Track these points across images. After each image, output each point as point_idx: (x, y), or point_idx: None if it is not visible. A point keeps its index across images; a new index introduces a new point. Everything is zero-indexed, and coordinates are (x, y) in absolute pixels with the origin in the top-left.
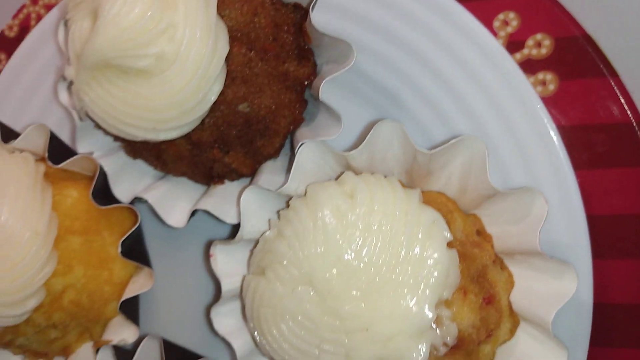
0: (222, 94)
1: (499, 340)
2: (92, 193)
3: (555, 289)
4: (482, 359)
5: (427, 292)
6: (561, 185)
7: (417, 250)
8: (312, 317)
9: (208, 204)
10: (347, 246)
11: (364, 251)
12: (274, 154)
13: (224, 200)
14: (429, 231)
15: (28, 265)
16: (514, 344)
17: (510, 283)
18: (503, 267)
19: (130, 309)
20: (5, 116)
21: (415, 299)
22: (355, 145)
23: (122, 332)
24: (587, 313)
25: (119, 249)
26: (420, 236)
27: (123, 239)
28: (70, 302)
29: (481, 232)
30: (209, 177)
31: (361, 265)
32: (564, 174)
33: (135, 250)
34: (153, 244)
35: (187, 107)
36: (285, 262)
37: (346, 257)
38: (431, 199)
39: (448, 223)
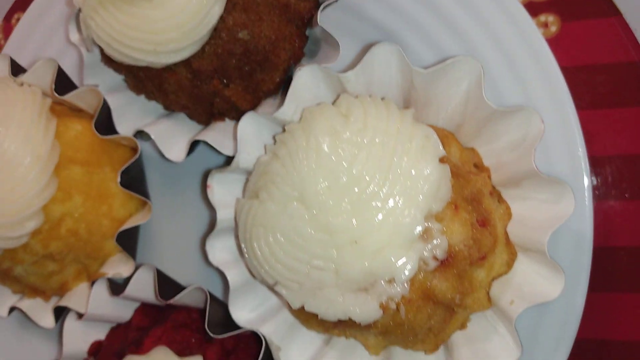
0: (222, 20)
1: (494, 269)
2: (95, 124)
3: (553, 213)
4: (476, 286)
5: (416, 203)
6: (564, 122)
7: (408, 163)
8: (302, 233)
9: (207, 136)
10: (339, 162)
11: (355, 166)
12: (274, 91)
13: (223, 134)
14: (421, 146)
15: (28, 187)
16: (510, 277)
17: (507, 215)
18: (501, 200)
19: (128, 244)
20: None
21: (404, 210)
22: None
23: (118, 268)
24: (587, 246)
25: (118, 179)
26: (412, 150)
27: (123, 168)
28: (68, 231)
29: (479, 166)
30: (210, 114)
31: (351, 179)
32: (566, 112)
33: (135, 184)
34: (153, 181)
35: (188, 28)
36: (278, 181)
37: (337, 172)
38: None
39: (445, 147)
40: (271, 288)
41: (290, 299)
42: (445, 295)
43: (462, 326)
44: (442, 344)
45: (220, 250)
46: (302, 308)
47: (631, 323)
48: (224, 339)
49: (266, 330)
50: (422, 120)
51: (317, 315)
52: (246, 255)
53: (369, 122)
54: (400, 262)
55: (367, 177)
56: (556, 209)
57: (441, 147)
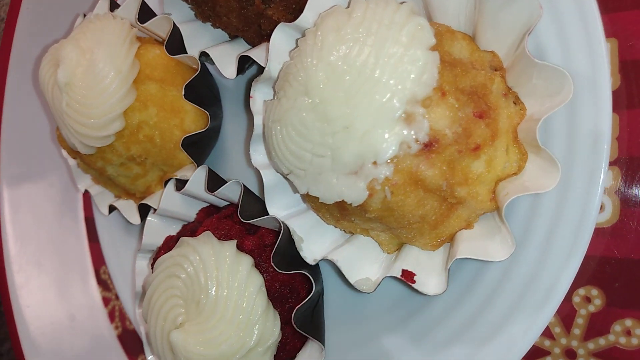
0: None
1: (496, 165)
2: (166, 45)
3: (553, 103)
4: (472, 178)
5: (399, 87)
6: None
7: (397, 50)
8: (306, 124)
9: (253, 52)
10: (337, 55)
11: (351, 56)
12: None
13: (265, 51)
14: (412, 34)
15: (111, 95)
16: (519, 177)
17: (519, 115)
18: (517, 102)
19: (195, 152)
20: None
21: (388, 94)
22: None
23: (188, 172)
24: (604, 146)
25: (183, 92)
26: (402, 39)
27: (187, 82)
28: (145, 136)
29: (498, 68)
30: (260, 36)
31: (346, 69)
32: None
33: (201, 100)
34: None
35: None
36: (290, 79)
37: (335, 64)
38: (436, 27)
39: (445, 42)
40: (286, 178)
41: (298, 185)
42: (431, 181)
43: (468, 225)
44: (446, 241)
45: (261, 154)
46: (313, 198)
47: None
48: (264, 234)
49: (292, 224)
50: (442, 22)
51: (326, 206)
52: (268, 151)
53: (367, 16)
54: (381, 144)
55: (359, 66)
56: (558, 99)
57: (432, 37)
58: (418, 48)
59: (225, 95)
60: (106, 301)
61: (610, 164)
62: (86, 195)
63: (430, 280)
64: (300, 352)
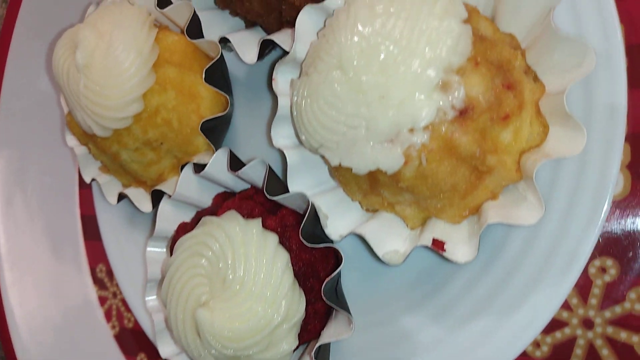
0: None
1: (522, 136)
2: (187, 30)
3: (575, 75)
4: (500, 147)
5: (435, 56)
6: None
7: (430, 22)
8: (339, 96)
9: (275, 37)
10: (371, 28)
11: (386, 29)
12: None
13: (288, 36)
14: (444, 8)
15: (131, 76)
16: (542, 147)
17: (540, 91)
18: (536, 79)
19: (212, 136)
20: None
21: (424, 63)
22: None
23: (204, 158)
24: (621, 118)
25: (203, 76)
26: (435, 11)
27: (207, 67)
28: (163, 120)
29: (517, 49)
30: (281, 22)
31: (381, 41)
32: None
33: (219, 84)
34: (236, 83)
35: None
36: (322, 55)
37: (369, 37)
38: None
39: (473, 19)
40: (317, 152)
41: (330, 158)
42: (465, 148)
43: (494, 197)
44: (472, 213)
45: (283, 137)
46: (343, 171)
47: None
48: (285, 215)
49: (317, 201)
50: None
51: (355, 179)
52: (297, 127)
53: None
54: (419, 111)
55: (394, 38)
56: (579, 72)
57: (465, 11)
58: (452, 19)
59: (235, 85)
60: (102, 300)
61: None
62: (83, 192)
63: (459, 249)
64: (324, 329)
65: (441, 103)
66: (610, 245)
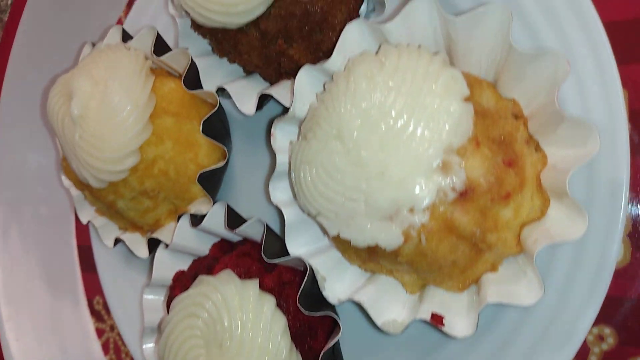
0: None
1: (522, 212)
2: (184, 80)
3: (579, 155)
4: (501, 225)
5: (437, 137)
6: (601, 68)
7: (432, 101)
8: (338, 167)
9: (273, 90)
10: (372, 102)
11: (385, 104)
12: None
13: (287, 90)
14: (446, 85)
15: (128, 130)
16: (542, 222)
17: (542, 162)
18: (538, 149)
19: (209, 186)
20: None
21: (425, 143)
22: None
23: (201, 208)
24: (622, 194)
25: (201, 127)
26: (437, 89)
27: (205, 118)
28: (160, 171)
29: (519, 116)
30: (279, 73)
31: (381, 116)
32: (603, 56)
33: (216, 134)
34: (234, 133)
35: None
36: (321, 122)
37: (370, 110)
38: (465, 76)
39: (475, 92)
40: (314, 219)
41: (328, 228)
42: (465, 228)
43: (493, 268)
44: (472, 284)
45: (281, 191)
46: (342, 240)
47: None
48: (282, 272)
49: (314, 262)
50: (465, 70)
51: (354, 248)
52: (295, 191)
53: (401, 65)
54: (419, 192)
55: (394, 114)
56: (583, 151)
57: (466, 88)
58: (453, 99)
59: (233, 131)
60: (100, 332)
61: None
62: (79, 223)
63: (458, 322)
64: None
65: (442, 184)
66: (609, 313)
